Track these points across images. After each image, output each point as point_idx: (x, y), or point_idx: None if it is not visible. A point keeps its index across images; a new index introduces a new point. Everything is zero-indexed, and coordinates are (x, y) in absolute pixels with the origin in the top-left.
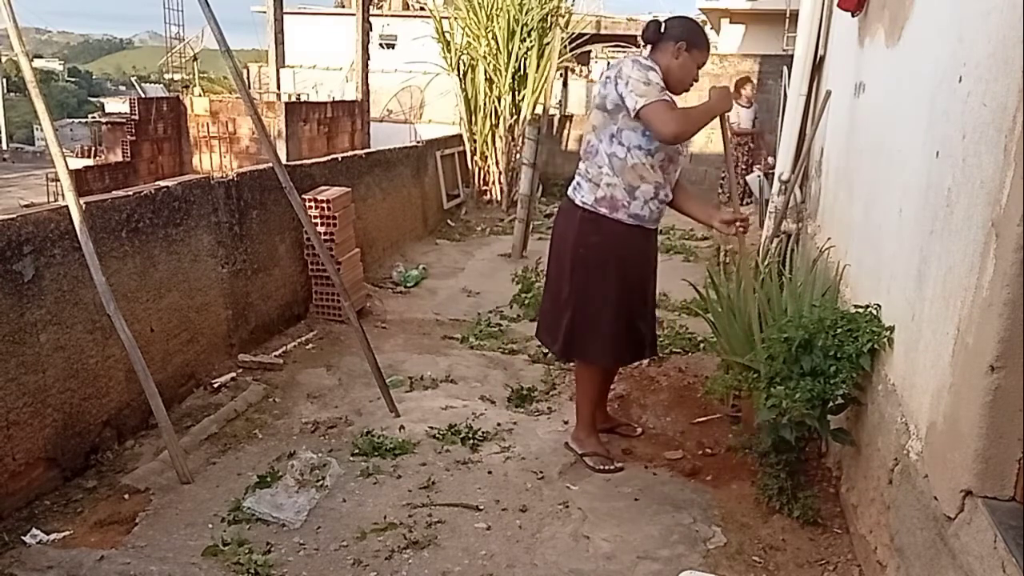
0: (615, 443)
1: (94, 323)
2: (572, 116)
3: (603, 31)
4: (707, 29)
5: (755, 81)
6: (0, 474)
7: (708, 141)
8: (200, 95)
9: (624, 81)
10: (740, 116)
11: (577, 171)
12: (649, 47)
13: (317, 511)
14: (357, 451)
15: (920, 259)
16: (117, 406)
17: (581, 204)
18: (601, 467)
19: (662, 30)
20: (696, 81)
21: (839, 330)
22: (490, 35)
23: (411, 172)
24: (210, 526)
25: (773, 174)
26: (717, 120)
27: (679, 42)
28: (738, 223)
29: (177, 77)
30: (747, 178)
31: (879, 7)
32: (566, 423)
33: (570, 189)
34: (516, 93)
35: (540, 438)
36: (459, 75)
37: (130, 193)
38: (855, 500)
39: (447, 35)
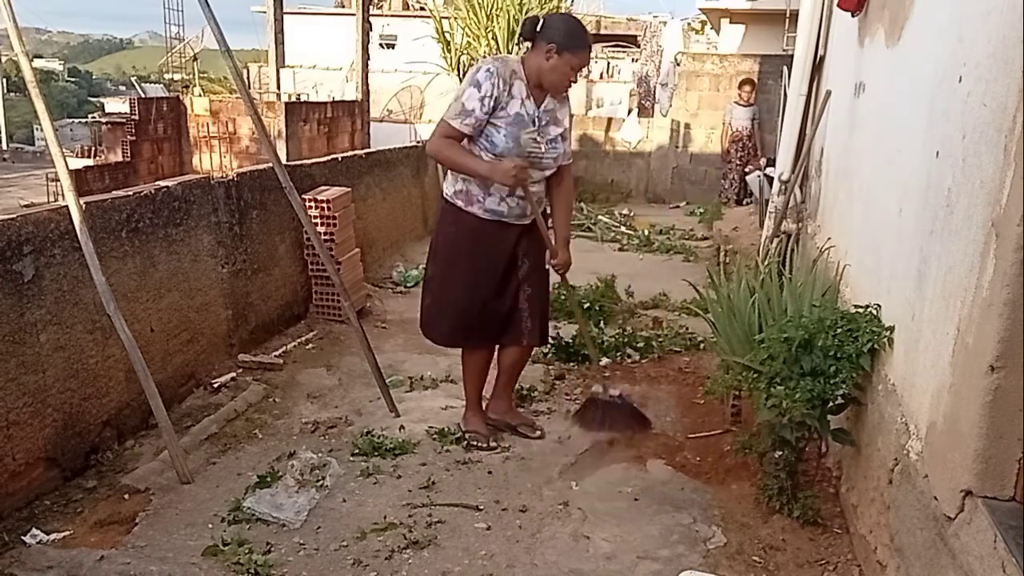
0: (620, 439)
1: (94, 323)
2: (572, 116)
3: (603, 31)
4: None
5: (755, 81)
6: (0, 474)
7: (708, 141)
8: (200, 95)
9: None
10: (734, 115)
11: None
12: (528, 44)
13: (317, 511)
14: (357, 451)
15: (920, 259)
16: (117, 406)
17: (444, 195)
18: (476, 443)
19: (538, 28)
20: (574, 83)
21: (839, 330)
22: (490, 35)
23: (411, 172)
24: (210, 526)
25: (767, 174)
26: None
27: (550, 44)
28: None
29: (177, 77)
30: (747, 178)
31: (879, 7)
32: (567, 413)
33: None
34: None
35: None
36: (459, 75)
37: (130, 193)
38: (855, 500)
39: (447, 35)
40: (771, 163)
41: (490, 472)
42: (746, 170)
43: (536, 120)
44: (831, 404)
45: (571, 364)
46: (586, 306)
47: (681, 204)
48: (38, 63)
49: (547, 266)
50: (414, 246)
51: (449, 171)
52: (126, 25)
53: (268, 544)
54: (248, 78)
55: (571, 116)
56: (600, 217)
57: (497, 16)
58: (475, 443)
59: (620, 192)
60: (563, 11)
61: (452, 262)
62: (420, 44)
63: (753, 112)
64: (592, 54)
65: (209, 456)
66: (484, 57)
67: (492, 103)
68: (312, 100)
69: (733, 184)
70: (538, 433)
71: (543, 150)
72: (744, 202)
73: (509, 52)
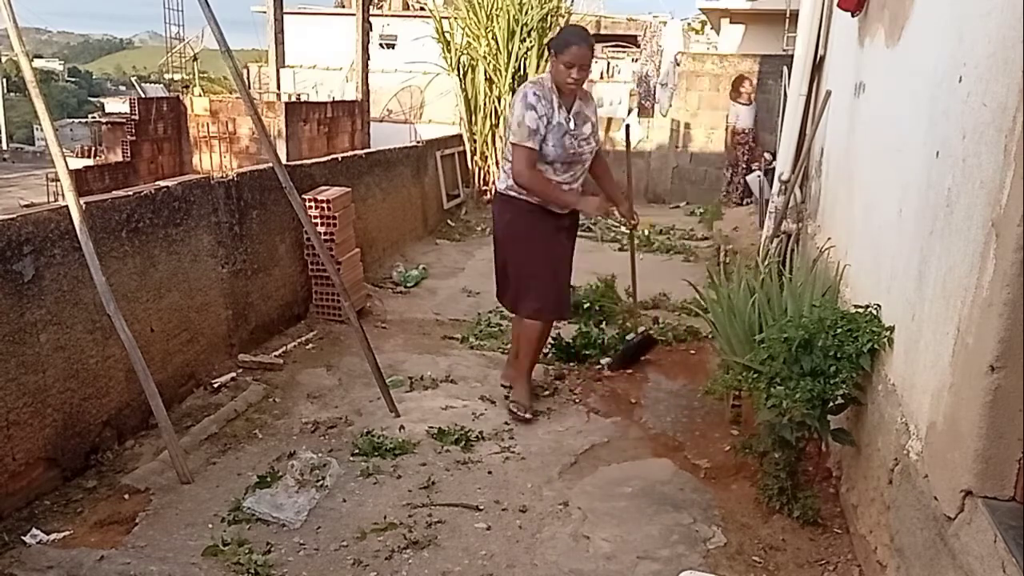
0: (620, 439)
1: (94, 323)
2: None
3: (603, 31)
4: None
5: (754, 81)
6: (0, 474)
7: (708, 141)
8: (200, 95)
9: (511, 110)
10: (740, 115)
11: (500, 166)
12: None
13: (317, 511)
14: (357, 451)
15: (920, 259)
16: (117, 406)
17: (500, 190)
18: (517, 411)
19: (547, 44)
20: (576, 80)
21: (839, 330)
22: (490, 35)
23: (411, 172)
24: (210, 526)
25: (772, 171)
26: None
27: (549, 51)
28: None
29: (177, 77)
30: (747, 178)
31: (879, 7)
32: (580, 409)
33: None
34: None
35: (540, 438)
36: (459, 75)
37: (130, 193)
38: (855, 500)
39: (447, 35)
40: (773, 157)
41: (490, 472)
42: (752, 167)
43: (571, 123)
44: (831, 404)
45: (571, 364)
46: (586, 306)
47: (681, 204)
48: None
49: (623, 227)
50: (414, 246)
51: (506, 170)
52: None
53: (268, 544)
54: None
55: (596, 110)
56: (600, 217)
57: (497, 16)
58: (517, 411)
59: (620, 192)
60: (563, 12)
61: (520, 243)
62: (420, 44)
63: (754, 110)
64: (592, 53)
65: (209, 456)
66: (484, 57)
67: (544, 120)
68: (312, 100)
69: (738, 187)
70: (528, 415)
71: (581, 147)
72: (745, 202)
73: (509, 52)
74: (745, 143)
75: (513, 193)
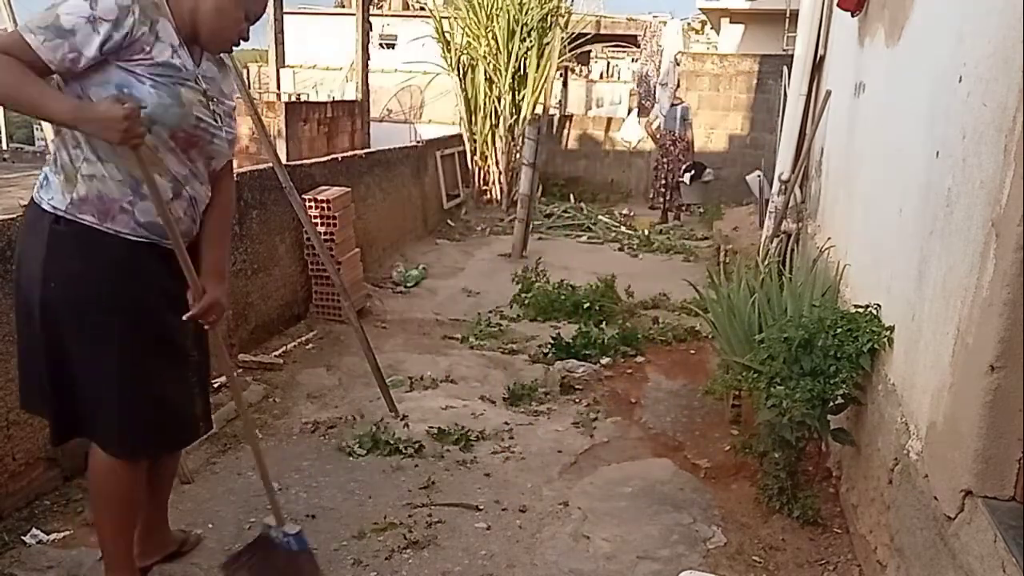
0: (620, 439)
1: None
2: (572, 116)
3: (603, 31)
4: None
5: (681, 81)
6: (0, 474)
7: (708, 140)
8: None
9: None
10: (661, 115)
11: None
12: None
13: (317, 511)
14: (357, 451)
15: (920, 259)
16: None
17: (44, 206)
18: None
19: None
20: (245, 39)
21: (839, 330)
22: (490, 35)
23: (411, 172)
24: (210, 526)
25: (686, 178)
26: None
27: None
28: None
29: None
30: (747, 178)
31: (879, 7)
32: (580, 409)
33: (35, 187)
34: (516, 93)
35: (540, 438)
36: (459, 75)
37: None
38: (855, 500)
39: (447, 35)
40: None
41: (489, 473)
42: (684, 177)
43: (199, 80)
44: (831, 404)
45: (570, 362)
46: (586, 306)
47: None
48: None
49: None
50: (414, 246)
51: (53, 165)
52: None
53: None
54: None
55: (236, 95)
56: (600, 217)
57: (497, 16)
58: None
59: (620, 192)
60: (563, 12)
61: (92, 324)
62: (420, 44)
63: (683, 112)
64: (593, 54)
65: (209, 456)
66: (484, 57)
67: (118, 35)
68: (312, 100)
69: (661, 192)
70: (195, 536)
71: (218, 122)
72: (672, 208)
73: (509, 52)
74: (662, 145)
75: (89, 218)
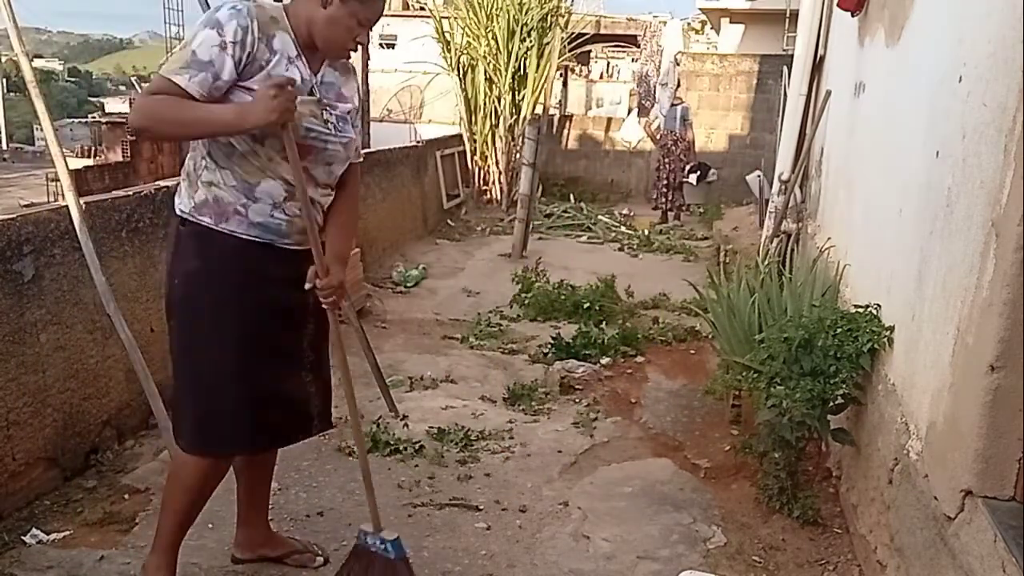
0: (620, 439)
1: (94, 323)
2: (572, 116)
3: (603, 31)
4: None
5: (681, 81)
6: (0, 474)
7: (708, 140)
8: None
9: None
10: (661, 115)
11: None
12: None
13: (317, 511)
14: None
15: (920, 259)
16: (117, 406)
17: (178, 211)
18: None
19: None
20: (361, 44)
21: (839, 330)
22: (490, 35)
23: (411, 172)
24: (210, 526)
25: (691, 178)
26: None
27: None
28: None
29: None
30: (747, 178)
31: (879, 7)
32: (580, 409)
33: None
34: (516, 93)
35: (540, 438)
36: (459, 75)
37: (130, 193)
38: (855, 500)
39: (447, 35)
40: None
41: (489, 473)
42: (690, 177)
43: (314, 90)
44: (831, 404)
45: (570, 362)
46: (586, 306)
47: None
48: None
49: (310, 285)
50: (414, 246)
51: (186, 177)
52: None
53: None
54: None
55: (361, 98)
56: (600, 217)
57: (497, 16)
58: None
59: (620, 192)
60: (563, 12)
61: (204, 320)
62: (420, 44)
63: (683, 112)
64: (592, 54)
65: None
66: (484, 57)
67: (244, 57)
68: None
69: (663, 193)
70: (320, 560)
71: (331, 130)
72: (673, 209)
73: (509, 52)
74: (664, 145)
75: (208, 220)
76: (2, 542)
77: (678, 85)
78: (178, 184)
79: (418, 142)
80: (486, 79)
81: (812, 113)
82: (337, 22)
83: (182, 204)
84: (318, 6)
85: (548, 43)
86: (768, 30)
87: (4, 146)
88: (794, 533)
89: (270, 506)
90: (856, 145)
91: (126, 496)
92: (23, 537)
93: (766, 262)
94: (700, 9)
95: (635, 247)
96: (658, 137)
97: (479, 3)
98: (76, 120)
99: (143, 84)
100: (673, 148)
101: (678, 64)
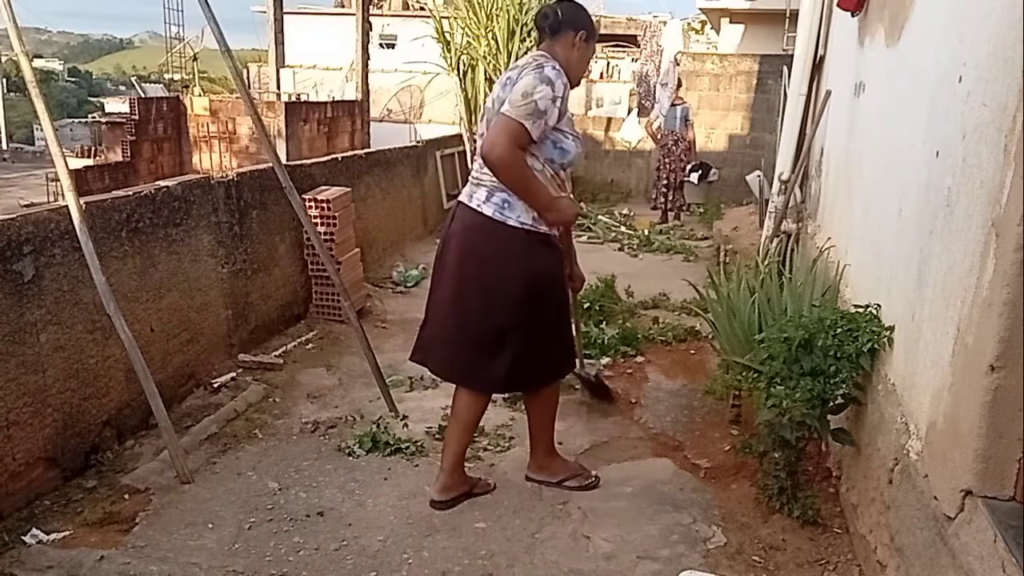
0: (620, 439)
1: (94, 323)
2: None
3: (603, 31)
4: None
5: (682, 81)
6: (0, 474)
7: (708, 140)
8: (200, 95)
9: (513, 84)
10: (661, 115)
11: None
12: (548, 37)
13: (317, 511)
14: (357, 451)
15: (920, 259)
16: (117, 406)
17: (478, 210)
18: (586, 483)
19: (560, 18)
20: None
21: (839, 330)
22: (490, 35)
23: (411, 172)
24: (210, 526)
25: (693, 178)
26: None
27: (579, 32)
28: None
29: (177, 77)
30: (747, 178)
31: (879, 7)
32: (581, 409)
33: (467, 197)
34: None
35: None
36: (459, 75)
37: (130, 193)
38: (855, 500)
39: (447, 35)
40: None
41: (489, 472)
42: (690, 177)
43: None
44: (831, 404)
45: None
46: (586, 306)
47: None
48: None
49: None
50: (414, 246)
51: (507, 197)
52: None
53: (268, 544)
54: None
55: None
56: (600, 217)
57: (497, 16)
58: (586, 484)
59: (620, 192)
60: None
61: (544, 294)
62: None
63: (684, 112)
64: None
65: (209, 456)
66: (484, 57)
67: (562, 106)
68: (312, 100)
69: (663, 193)
70: (492, 485)
71: (578, 145)
72: (673, 209)
73: (509, 52)
74: (664, 145)
75: (512, 219)
76: (2, 542)
77: (679, 85)
78: (499, 202)
79: (418, 142)
80: (486, 79)
81: (812, 113)
82: (587, 57)
83: (521, 217)
84: (570, 50)
85: None
86: (768, 30)
87: (4, 146)
88: (794, 533)
89: (269, 506)
90: (856, 145)
91: (126, 496)
92: (23, 537)
93: (766, 262)
94: (700, 9)
95: (635, 247)
96: (659, 137)
97: (479, 3)
98: (76, 120)
99: (143, 84)
100: (673, 148)
101: (678, 64)
